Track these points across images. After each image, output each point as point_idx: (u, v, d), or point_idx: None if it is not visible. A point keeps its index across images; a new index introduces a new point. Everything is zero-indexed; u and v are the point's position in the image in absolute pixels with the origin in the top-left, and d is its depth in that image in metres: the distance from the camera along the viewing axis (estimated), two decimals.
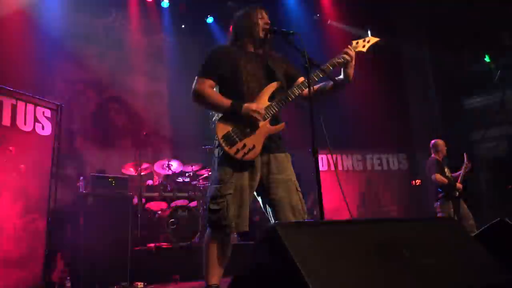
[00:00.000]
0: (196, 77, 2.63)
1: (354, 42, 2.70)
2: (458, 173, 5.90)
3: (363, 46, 2.69)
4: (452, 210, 5.65)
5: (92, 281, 4.42)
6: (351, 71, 2.59)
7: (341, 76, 2.63)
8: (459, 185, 5.73)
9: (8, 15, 6.21)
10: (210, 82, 2.59)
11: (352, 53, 2.58)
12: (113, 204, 4.91)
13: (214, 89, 2.63)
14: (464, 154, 5.91)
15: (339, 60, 2.58)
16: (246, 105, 2.47)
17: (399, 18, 7.99)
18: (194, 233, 5.52)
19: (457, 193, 5.70)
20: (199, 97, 2.58)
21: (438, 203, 5.77)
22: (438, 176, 5.72)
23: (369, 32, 2.79)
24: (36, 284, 4.13)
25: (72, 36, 7.18)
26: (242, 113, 2.46)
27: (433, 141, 6.11)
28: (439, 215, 5.76)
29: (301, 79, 2.67)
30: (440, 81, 7.90)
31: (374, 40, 2.73)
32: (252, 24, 2.67)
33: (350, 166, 7.40)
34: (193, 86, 2.61)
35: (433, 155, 6.02)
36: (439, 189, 5.77)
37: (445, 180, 5.71)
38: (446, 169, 5.88)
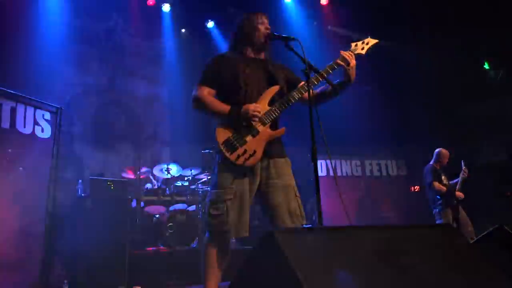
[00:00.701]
0: (196, 85, 2.64)
1: (353, 45, 2.70)
2: (455, 180, 5.91)
3: (362, 49, 2.69)
4: (451, 217, 5.67)
5: (90, 285, 4.41)
6: (351, 72, 2.59)
7: (343, 79, 2.63)
8: (459, 193, 5.74)
9: (8, 18, 6.22)
10: (209, 89, 2.60)
11: (349, 56, 2.58)
12: (111, 207, 4.90)
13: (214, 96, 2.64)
14: (462, 161, 5.91)
15: (337, 64, 2.58)
16: (244, 106, 2.48)
17: (399, 23, 8.00)
18: (192, 237, 5.51)
19: (456, 200, 5.71)
20: (199, 104, 2.59)
21: (437, 210, 5.78)
22: (436, 184, 5.74)
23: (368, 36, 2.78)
24: None
25: (72, 39, 7.20)
26: (241, 114, 2.46)
27: (437, 150, 6.09)
28: (438, 221, 5.77)
29: (302, 84, 2.68)
30: (440, 88, 7.91)
31: (373, 42, 2.73)
32: (253, 29, 2.68)
33: (349, 172, 7.39)
34: (193, 94, 2.62)
35: (431, 162, 6.02)
36: (437, 196, 5.78)
37: (444, 188, 5.73)
38: (443, 177, 5.89)
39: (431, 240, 1.76)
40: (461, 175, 5.86)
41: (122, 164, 6.64)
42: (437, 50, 7.58)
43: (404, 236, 1.73)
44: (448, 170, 6.06)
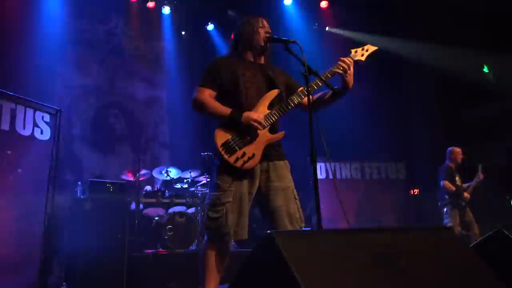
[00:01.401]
0: (196, 87, 2.64)
1: (353, 51, 2.71)
2: (469, 183, 5.95)
3: (362, 55, 2.70)
4: (458, 217, 5.71)
5: (88, 286, 4.40)
6: (349, 79, 2.59)
7: (341, 85, 2.63)
8: (466, 195, 5.79)
9: (9, 20, 6.23)
10: (210, 91, 2.60)
11: (349, 62, 2.59)
12: (110, 209, 4.89)
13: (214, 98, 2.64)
14: (480, 165, 5.96)
15: (337, 70, 2.58)
16: (246, 113, 2.48)
17: (399, 27, 8.02)
18: (191, 239, 5.50)
19: (463, 202, 5.76)
20: (199, 106, 2.59)
21: (445, 209, 5.83)
22: (446, 183, 5.82)
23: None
24: None
25: (72, 41, 7.21)
26: (242, 122, 2.46)
27: (449, 148, 6.20)
28: (445, 221, 5.81)
29: (301, 88, 2.68)
30: (440, 91, 7.93)
31: (372, 48, 2.74)
32: (253, 32, 2.69)
33: (349, 175, 7.39)
34: (193, 95, 2.62)
35: (447, 162, 6.08)
36: (445, 196, 5.82)
37: (453, 188, 5.79)
38: (457, 177, 5.93)
39: (430, 243, 1.76)
40: (475, 178, 5.91)
41: (122, 166, 6.64)
42: (437, 52, 7.59)
43: (403, 239, 1.73)
44: (464, 171, 6.11)
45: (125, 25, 7.90)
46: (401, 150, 7.90)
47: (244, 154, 2.45)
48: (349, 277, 1.44)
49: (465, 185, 5.96)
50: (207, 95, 2.59)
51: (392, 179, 7.60)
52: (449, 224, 5.67)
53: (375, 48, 2.74)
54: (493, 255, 1.98)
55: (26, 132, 4.29)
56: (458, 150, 6.11)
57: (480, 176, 5.92)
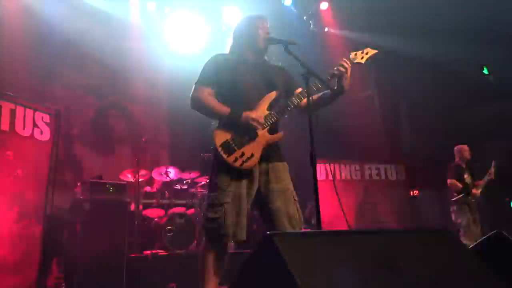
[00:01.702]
0: (194, 84, 2.64)
1: (352, 54, 2.71)
2: (481, 180, 5.97)
3: (362, 58, 2.70)
4: (469, 213, 5.72)
5: (88, 286, 4.40)
6: (346, 82, 2.59)
7: (336, 87, 2.63)
8: (475, 191, 5.80)
9: (8, 20, 6.23)
10: (208, 89, 2.60)
11: (347, 65, 2.59)
12: (110, 210, 4.89)
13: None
14: (493, 161, 5.99)
15: (336, 72, 2.58)
16: (245, 113, 2.48)
17: (398, 29, 8.02)
18: (191, 240, 5.50)
19: (473, 199, 5.77)
20: (198, 104, 2.60)
21: (454, 207, 5.84)
22: (451, 181, 5.85)
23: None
24: None
25: (72, 41, 7.20)
26: (241, 121, 2.46)
27: (456, 147, 6.25)
28: (455, 219, 5.82)
29: (300, 89, 2.69)
30: (439, 93, 7.93)
31: (372, 52, 2.74)
32: (253, 33, 2.69)
33: (348, 176, 7.38)
34: (191, 93, 2.62)
35: (456, 160, 6.10)
36: (454, 194, 5.85)
37: (459, 186, 5.81)
38: (466, 175, 5.94)
39: (430, 245, 1.76)
40: (486, 176, 5.93)
41: (121, 166, 6.63)
42: (437, 53, 7.60)
43: (403, 241, 1.73)
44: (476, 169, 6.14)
45: (125, 25, 7.88)
46: (401, 150, 7.90)
47: (243, 154, 2.45)
48: (349, 278, 1.44)
49: (476, 183, 5.97)
50: (206, 94, 2.59)
51: (391, 180, 7.60)
52: (464, 223, 5.69)
53: (375, 51, 2.75)
54: (493, 257, 1.98)
55: (26, 133, 4.28)
56: (465, 147, 6.17)
57: (492, 172, 5.94)
